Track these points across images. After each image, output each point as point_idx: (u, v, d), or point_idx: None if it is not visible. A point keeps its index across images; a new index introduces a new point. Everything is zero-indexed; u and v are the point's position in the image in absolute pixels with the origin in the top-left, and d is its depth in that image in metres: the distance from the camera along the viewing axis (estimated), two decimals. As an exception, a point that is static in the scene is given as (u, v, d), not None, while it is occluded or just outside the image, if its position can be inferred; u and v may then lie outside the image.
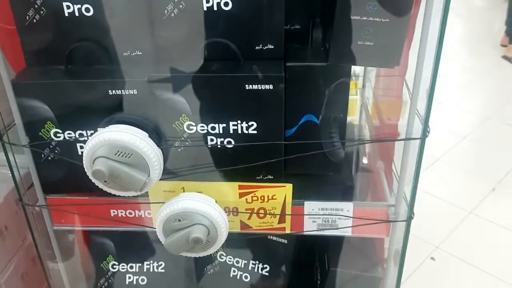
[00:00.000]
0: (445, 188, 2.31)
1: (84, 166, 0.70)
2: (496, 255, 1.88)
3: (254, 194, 0.80)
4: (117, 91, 0.73)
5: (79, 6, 0.72)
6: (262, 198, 0.80)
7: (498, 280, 1.76)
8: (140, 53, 0.75)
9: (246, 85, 0.74)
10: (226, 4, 0.72)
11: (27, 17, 0.72)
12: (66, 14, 0.72)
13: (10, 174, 1.04)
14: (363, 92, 1.11)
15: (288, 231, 0.82)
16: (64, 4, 0.71)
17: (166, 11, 0.73)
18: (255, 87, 0.74)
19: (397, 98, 0.85)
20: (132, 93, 0.74)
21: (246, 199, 0.80)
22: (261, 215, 0.81)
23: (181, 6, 0.72)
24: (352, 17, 0.70)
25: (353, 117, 1.21)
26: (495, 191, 2.26)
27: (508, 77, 3.33)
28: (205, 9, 0.72)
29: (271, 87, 0.73)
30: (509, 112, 2.91)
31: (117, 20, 0.73)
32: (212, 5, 0.72)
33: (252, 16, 0.73)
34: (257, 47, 0.76)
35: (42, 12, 0.72)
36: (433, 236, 1.97)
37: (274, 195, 0.80)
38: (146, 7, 0.73)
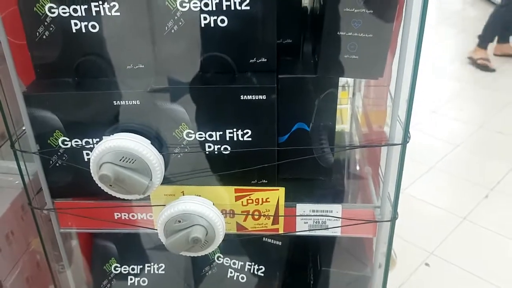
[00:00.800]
0: (439, 195, 2.36)
1: (91, 171, 0.76)
2: (490, 261, 1.92)
3: (249, 197, 0.85)
4: (121, 101, 0.79)
5: (86, 23, 0.77)
6: (257, 201, 0.85)
7: (492, 286, 1.80)
8: (143, 66, 0.81)
9: (241, 96, 0.79)
10: (222, 21, 0.78)
11: (37, 33, 0.78)
12: (74, 31, 0.78)
13: (15, 181, 1.10)
14: (353, 102, 1.17)
15: (281, 231, 0.87)
16: (72, 21, 0.77)
17: (166, 27, 0.78)
18: (249, 97, 0.79)
19: (383, 106, 0.91)
20: (135, 103, 0.79)
21: (242, 202, 0.85)
22: (256, 217, 0.86)
23: (180, 23, 0.78)
24: (338, 33, 0.76)
25: (345, 126, 1.27)
26: (488, 198, 2.30)
27: (499, 86, 3.40)
28: (202, 25, 0.78)
29: (264, 97, 0.79)
30: (500, 120, 2.97)
31: (121, 35, 0.79)
32: (209, 22, 0.78)
33: (246, 32, 0.79)
34: (251, 60, 0.81)
35: (51, 29, 0.78)
36: (428, 242, 2.01)
37: (268, 198, 0.85)
38: (148, 24, 0.78)
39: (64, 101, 0.79)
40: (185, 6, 0.77)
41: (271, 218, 0.86)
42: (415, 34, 0.74)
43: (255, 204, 0.85)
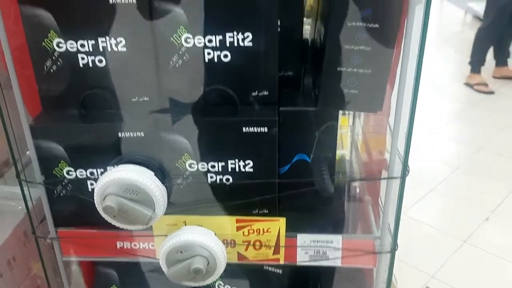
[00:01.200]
0: (439, 217, 2.36)
1: (95, 202, 0.77)
2: (491, 284, 1.91)
3: (251, 227, 0.86)
4: (125, 133, 0.81)
5: (93, 58, 0.79)
6: (258, 231, 0.86)
7: (491, 309, 1.79)
8: (147, 99, 0.83)
9: (244, 128, 0.81)
10: (225, 56, 0.80)
11: (45, 67, 0.80)
12: (81, 65, 0.80)
13: (18, 207, 1.11)
14: (353, 129, 1.19)
15: (282, 262, 0.88)
16: (80, 56, 0.79)
17: (171, 62, 0.81)
18: (251, 129, 0.81)
19: (382, 134, 0.92)
20: (139, 135, 0.81)
21: (243, 232, 0.87)
22: (257, 247, 0.87)
23: (185, 58, 0.80)
24: (338, 68, 0.78)
25: (345, 151, 1.28)
26: (488, 221, 2.31)
27: (499, 108, 3.43)
28: (206, 60, 0.80)
29: (266, 129, 0.81)
30: (500, 142, 2.99)
31: (127, 69, 0.81)
32: (213, 57, 0.80)
33: (248, 66, 0.81)
34: (253, 93, 0.84)
35: (59, 63, 0.80)
36: (428, 265, 2.01)
37: (269, 228, 0.86)
38: (153, 59, 0.80)
39: (70, 133, 0.81)
40: (190, 42, 0.79)
41: (272, 248, 0.87)
42: (413, 67, 0.76)
43: (256, 234, 0.86)
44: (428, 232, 2.24)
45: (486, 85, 3.54)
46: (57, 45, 0.78)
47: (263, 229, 0.86)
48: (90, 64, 0.80)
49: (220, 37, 0.79)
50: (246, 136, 0.81)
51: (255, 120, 0.81)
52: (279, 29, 0.81)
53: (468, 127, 3.25)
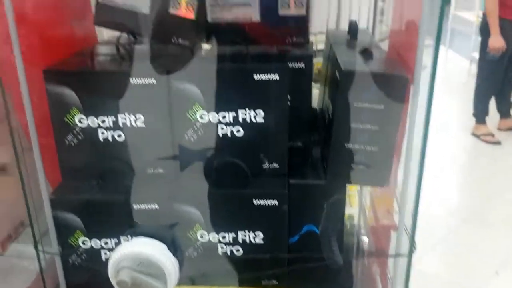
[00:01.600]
0: (448, 270, 2.33)
1: (109, 275, 0.79)
2: None
3: None
4: (140, 205, 0.84)
5: (112, 132, 0.84)
6: None
7: None
8: (162, 171, 0.86)
9: (254, 200, 0.84)
10: (238, 131, 0.84)
11: (67, 141, 0.84)
12: (101, 139, 0.84)
13: (30, 266, 1.12)
14: (361, 193, 1.21)
15: None
16: (100, 131, 0.83)
17: (186, 136, 0.85)
18: (262, 202, 0.84)
19: (390, 197, 0.94)
20: (153, 207, 0.84)
21: None
22: None
23: (199, 133, 0.84)
24: (346, 145, 0.81)
25: (352, 210, 1.29)
26: (498, 275, 2.27)
27: (507, 157, 3.43)
28: (220, 135, 0.84)
29: (276, 203, 0.83)
30: (509, 192, 2.97)
31: (144, 143, 0.85)
32: (226, 132, 0.84)
33: (260, 141, 0.85)
34: (264, 166, 0.87)
35: (80, 137, 0.84)
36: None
37: None
38: (169, 133, 0.84)
39: (87, 205, 0.84)
40: (204, 118, 0.83)
41: None
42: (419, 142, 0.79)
43: None
44: (437, 285, 2.20)
45: (492, 135, 3.56)
46: (79, 121, 0.83)
47: None
48: (110, 139, 0.84)
49: (233, 113, 0.83)
50: (257, 208, 0.84)
51: (266, 193, 0.84)
52: (288, 103, 0.85)
53: (476, 177, 3.25)
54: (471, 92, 3.72)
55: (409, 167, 0.79)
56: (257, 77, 0.81)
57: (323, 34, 1.37)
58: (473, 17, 4.91)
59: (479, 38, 3.44)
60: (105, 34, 1.05)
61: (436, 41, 0.73)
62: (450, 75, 5.07)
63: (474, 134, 3.65)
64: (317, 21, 1.34)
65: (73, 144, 0.84)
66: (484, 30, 3.26)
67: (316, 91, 1.08)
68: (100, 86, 0.81)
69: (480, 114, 3.60)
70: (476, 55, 4.26)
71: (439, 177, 3.17)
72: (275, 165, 0.87)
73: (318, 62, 1.18)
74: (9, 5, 0.74)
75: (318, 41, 1.50)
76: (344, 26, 1.97)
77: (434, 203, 2.85)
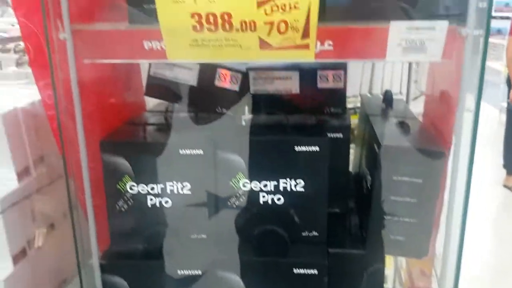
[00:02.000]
0: None
1: None
2: None
3: (274, 2, 0.69)
4: (185, 271, 0.87)
5: (160, 199, 0.88)
6: (283, 7, 0.68)
7: None
8: (205, 236, 0.90)
9: (294, 269, 0.86)
10: (278, 199, 0.88)
11: (117, 206, 0.89)
12: (149, 205, 0.89)
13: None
14: (396, 260, 1.21)
15: (312, 50, 0.71)
16: (148, 197, 0.88)
17: (229, 203, 0.88)
18: (301, 271, 0.86)
19: (425, 261, 0.93)
20: (196, 273, 0.87)
21: (265, 9, 0.68)
22: (282, 30, 0.70)
23: (241, 200, 0.88)
24: (385, 217, 0.84)
25: (387, 271, 1.29)
26: None
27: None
28: (261, 202, 0.88)
29: (316, 272, 0.85)
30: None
31: (189, 210, 0.89)
32: (267, 199, 0.88)
33: (300, 209, 0.88)
34: (303, 234, 0.89)
35: (130, 203, 0.89)
36: None
37: (297, 3, 0.68)
38: (213, 200, 0.89)
39: (135, 271, 0.88)
40: (247, 186, 0.87)
41: (301, 31, 0.70)
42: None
43: (281, 12, 0.69)
44: None
45: None
46: (130, 188, 0.88)
47: (290, 4, 0.68)
48: (157, 205, 0.88)
49: (275, 182, 0.87)
50: (297, 278, 0.86)
51: (305, 262, 0.86)
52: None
53: (510, 230, 3.15)
54: (501, 142, 3.67)
55: (449, 235, 0.80)
56: (298, 148, 0.86)
57: (356, 97, 1.43)
58: (502, 66, 4.92)
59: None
60: (150, 102, 1.12)
61: (474, 116, 0.76)
62: (480, 124, 5.02)
63: (506, 186, 3.57)
64: (350, 85, 1.39)
65: (123, 209, 0.89)
66: (509, 81, 3.27)
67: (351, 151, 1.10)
68: (152, 156, 0.87)
69: (510, 165, 3.54)
70: (505, 104, 4.24)
71: (471, 233, 3.09)
72: (315, 233, 0.89)
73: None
74: (74, 77, 0.79)
75: (349, 102, 1.56)
76: (376, 90, 2.03)
77: (469, 258, 2.77)
